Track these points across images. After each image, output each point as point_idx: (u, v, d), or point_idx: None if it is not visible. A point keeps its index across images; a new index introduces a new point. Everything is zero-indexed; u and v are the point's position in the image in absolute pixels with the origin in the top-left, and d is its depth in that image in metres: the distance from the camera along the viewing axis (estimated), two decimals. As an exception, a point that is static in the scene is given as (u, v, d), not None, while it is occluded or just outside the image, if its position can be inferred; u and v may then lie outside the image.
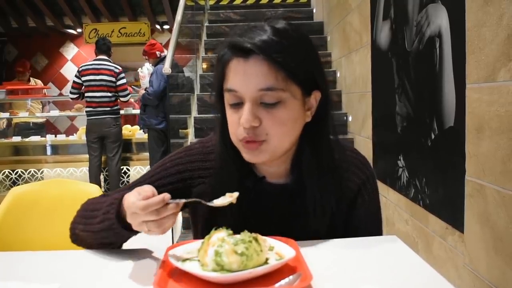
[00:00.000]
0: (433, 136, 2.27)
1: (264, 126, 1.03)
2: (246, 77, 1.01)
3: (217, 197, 1.01)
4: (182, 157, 1.22)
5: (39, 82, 8.13)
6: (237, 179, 1.13)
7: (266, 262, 0.91)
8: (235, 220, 1.06)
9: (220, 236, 0.90)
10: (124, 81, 5.73)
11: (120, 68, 5.75)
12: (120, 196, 1.04)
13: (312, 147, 1.12)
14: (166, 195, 0.93)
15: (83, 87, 5.64)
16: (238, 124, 1.04)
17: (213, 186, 1.15)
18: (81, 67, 5.74)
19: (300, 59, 1.04)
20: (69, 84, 7.74)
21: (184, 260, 0.95)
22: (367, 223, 1.22)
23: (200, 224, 1.23)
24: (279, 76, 1.01)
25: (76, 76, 5.71)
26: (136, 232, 1.04)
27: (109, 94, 5.64)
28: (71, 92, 5.77)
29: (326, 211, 1.14)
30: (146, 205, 0.92)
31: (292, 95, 1.04)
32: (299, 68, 1.03)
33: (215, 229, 0.94)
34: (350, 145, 1.27)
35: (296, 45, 1.05)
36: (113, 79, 5.65)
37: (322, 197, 1.13)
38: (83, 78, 5.62)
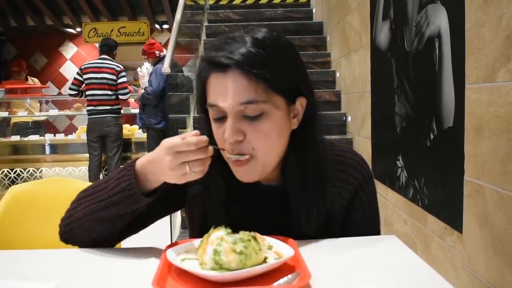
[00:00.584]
0: (432, 137, 2.27)
1: (249, 140, 1.02)
2: (226, 92, 0.99)
3: (211, 201, 1.08)
4: None
5: (36, 81, 8.13)
6: (231, 183, 1.11)
7: (264, 261, 0.91)
8: (230, 222, 1.03)
9: (219, 235, 0.90)
10: (124, 79, 5.73)
11: (121, 67, 5.76)
12: (132, 163, 1.03)
13: (298, 153, 1.10)
14: (205, 137, 0.96)
15: (84, 85, 5.65)
16: (222, 138, 1.03)
17: (208, 190, 1.15)
18: (83, 65, 5.78)
19: (281, 69, 1.02)
20: (68, 83, 7.75)
21: (183, 259, 0.95)
22: (365, 225, 1.21)
23: (196, 223, 1.23)
24: (259, 89, 0.99)
25: (77, 73, 5.73)
26: (151, 198, 1.02)
27: (110, 93, 5.64)
28: (70, 88, 5.78)
29: (312, 216, 1.12)
30: (199, 140, 0.94)
31: (275, 106, 1.02)
32: (280, 78, 1.01)
33: (214, 228, 0.94)
34: (346, 146, 1.25)
35: (276, 55, 1.03)
36: (114, 77, 5.65)
37: (308, 202, 1.11)
38: (85, 76, 5.63)
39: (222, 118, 1.03)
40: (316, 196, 1.12)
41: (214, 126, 1.06)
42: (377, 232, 1.24)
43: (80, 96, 5.79)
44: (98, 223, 1.08)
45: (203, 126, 1.13)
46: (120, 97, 5.75)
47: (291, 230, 1.12)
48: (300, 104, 1.08)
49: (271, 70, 1.00)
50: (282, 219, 1.14)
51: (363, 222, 1.21)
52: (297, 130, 1.10)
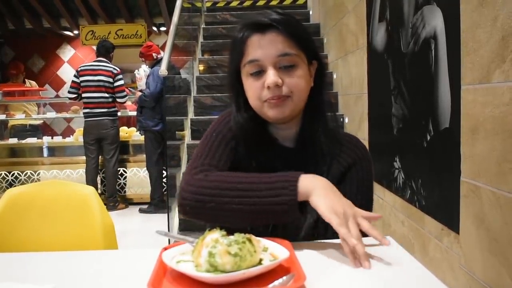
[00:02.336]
0: (428, 138, 2.28)
1: (286, 85, 1.22)
2: (265, 47, 1.22)
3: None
4: (229, 127, 1.33)
5: (34, 83, 8.12)
6: (255, 141, 1.30)
7: (260, 263, 0.91)
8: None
9: (214, 237, 0.91)
10: (121, 82, 5.74)
11: (118, 69, 5.76)
12: (292, 176, 1.13)
13: (314, 113, 1.32)
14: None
15: (81, 87, 5.65)
16: (261, 88, 1.23)
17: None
18: (79, 67, 5.77)
19: (302, 31, 1.28)
20: (66, 86, 7.74)
21: (178, 261, 0.95)
22: (353, 194, 1.27)
23: None
24: (291, 44, 1.23)
25: (74, 75, 5.73)
26: (299, 215, 1.12)
27: (106, 95, 5.64)
28: (69, 92, 5.78)
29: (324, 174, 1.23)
30: (369, 216, 1.08)
31: (302, 60, 1.25)
32: (303, 38, 1.26)
33: (209, 230, 0.95)
34: (350, 134, 1.43)
35: (298, 22, 1.29)
36: (111, 80, 5.65)
37: (321, 161, 1.29)
38: (81, 79, 5.63)
39: (259, 72, 1.23)
40: (330, 153, 1.31)
41: (249, 81, 1.26)
42: (368, 209, 1.29)
43: (80, 99, 5.78)
44: (241, 220, 1.16)
45: (236, 89, 1.31)
46: (118, 100, 5.76)
47: None
48: (313, 66, 1.31)
49: (298, 31, 1.26)
50: None
51: (352, 198, 1.23)
52: (311, 93, 1.30)
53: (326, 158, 1.30)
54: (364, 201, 1.30)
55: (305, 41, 1.27)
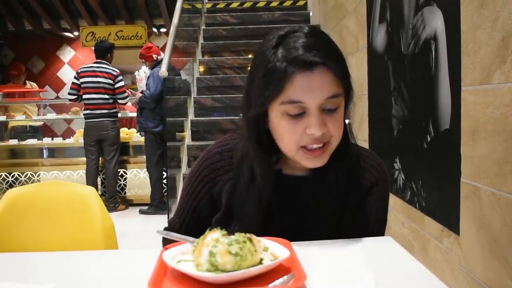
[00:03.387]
0: (429, 139, 2.28)
1: (329, 130, 1.10)
2: (312, 88, 1.06)
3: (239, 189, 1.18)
4: (207, 173, 1.25)
5: (34, 85, 8.12)
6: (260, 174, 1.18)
7: (260, 263, 0.91)
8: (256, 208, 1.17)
9: (214, 237, 0.91)
10: (122, 83, 5.73)
11: (118, 71, 5.75)
12: None
13: (339, 146, 1.17)
14: None
15: (81, 89, 5.65)
16: (300, 132, 1.09)
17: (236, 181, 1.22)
18: (79, 69, 5.78)
19: (346, 65, 1.13)
20: (66, 87, 7.74)
21: (179, 260, 0.95)
22: (369, 225, 1.24)
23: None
24: (339, 83, 1.09)
25: (75, 77, 5.73)
26: None
27: (107, 97, 5.64)
28: (69, 93, 5.78)
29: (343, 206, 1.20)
30: None
31: (343, 98, 1.12)
32: (348, 74, 1.13)
33: (210, 230, 0.95)
34: (365, 148, 1.33)
35: (341, 53, 1.13)
36: (111, 81, 5.65)
37: (340, 192, 1.20)
38: (81, 80, 5.63)
39: (300, 115, 1.08)
40: (350, 183, 1.21)
41: (286, 122, 1.10)
42: (381, 233, 1.26)
43: (80, 101, 5.78)
44: None
45: (256, 125, 1.16)
46: (119, 101, 5.76)
47: (308, 219, 1.21)
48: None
49: (345, 67, 1.12)
50: (302, 208, 1.22)
51: (370, 220, 1.24)
52: None
53: (342, 186, 1.20)
54: (378, 224, 1.26)
55: (349, 76, 1.14)
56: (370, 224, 1.23)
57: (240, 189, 1.20)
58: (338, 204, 1.19)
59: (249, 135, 1.18)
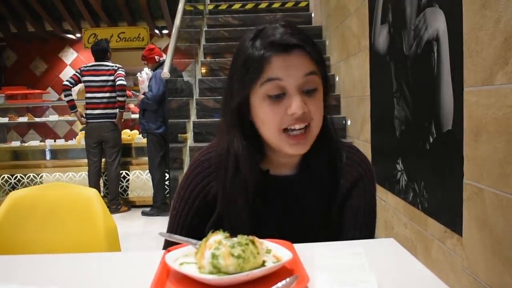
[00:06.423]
0: (431, 140, 2.28)
1: (310, 110, 1.12)
2: (290, 67, 1.11)
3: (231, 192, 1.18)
4: (199, 182, 1.26)
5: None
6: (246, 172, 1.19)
7: (263, 265, 0.91)
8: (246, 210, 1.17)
9: (217, 239, 0.90)
10: (123, 82, 5.69)
11: (119, 65, 5.73)
12: None
13: (322, 140, 1.20)
14: None
15: (84, 87, 5.67)
16: (281, 114, 1.12)
17: (228, 184, 1.21)
18: (83, 66, 5.79)
19: (321, 52, 1.19)
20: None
21: (182, 262, 0.95)
22: (358, 218, 1.24)
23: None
24: (314, 64, 1.13)
25: (77, 72, 5.73)
26: None
27: (109, 95, 5.63)
28: (67, 80, 5.72)
29: (330, 203, 1.22)
30: None
31: (320, 82, 1.16)
32: (322, 60, 1.17)
33: (212, 232, 0.95)
34: (350, 143, 1.37)
35: (315, 42, 1.18)
36: (113, 77, 5.64)
37: (326, 188, 1.22)
38: (84, 79, 5.64)
39: (279, 96, 1.12)
40: (334, 180, 1.23)
41: (267, 105, 1.13)
42: (371, 227, 1.27)
43: (71, 99, 5.76)
44: None
45: (240, 113, 1.19)
46: (118, 98, 5.69)
47: (295, 217, 1.22)
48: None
49: (320, 52, 1.17)
50: (288, 208, 1.23)
51: (357, 215, 1.24)
52: None
53: (327, 182, 1.22)
54: (366, 219, 1.26)
55: (325, 66, 1.19)
56: (359, 218, 1.24)
57: (226, 187, 1.21)
58: (326, 200, 1.21)
59: (233, 128, 1.20)
